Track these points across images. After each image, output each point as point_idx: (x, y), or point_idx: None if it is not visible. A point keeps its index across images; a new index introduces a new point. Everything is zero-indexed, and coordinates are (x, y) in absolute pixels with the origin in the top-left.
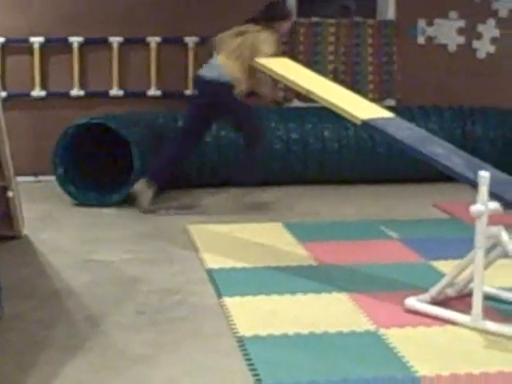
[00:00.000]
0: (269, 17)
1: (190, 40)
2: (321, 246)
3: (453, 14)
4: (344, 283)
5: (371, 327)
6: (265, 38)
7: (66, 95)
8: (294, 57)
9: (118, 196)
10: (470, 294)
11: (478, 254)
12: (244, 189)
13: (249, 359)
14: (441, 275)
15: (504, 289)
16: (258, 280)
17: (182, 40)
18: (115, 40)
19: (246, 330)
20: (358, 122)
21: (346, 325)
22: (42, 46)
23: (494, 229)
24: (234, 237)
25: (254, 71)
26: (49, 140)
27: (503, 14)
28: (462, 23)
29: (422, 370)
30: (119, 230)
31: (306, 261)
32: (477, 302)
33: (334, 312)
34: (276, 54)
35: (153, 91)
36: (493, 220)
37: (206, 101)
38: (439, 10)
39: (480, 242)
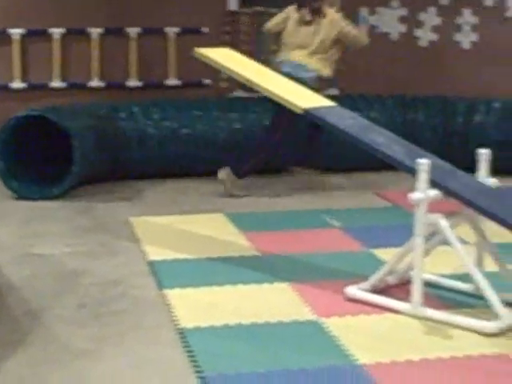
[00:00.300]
0: None
1: (132, 31)
2: (263, 236)
3: (394, 3)
4: (286, 273)
5: (312, 317)
6: (337, 17)
7: (7, 88)
8: (236, 47)
9: (57, 190)
10: (410, 282)
11: (417, 242)
12: (187, 180)
13: (190, 351)
14: (381, 263)
15: (444, 276)
16: (200, 271)
17: (123, 31)
18: (56, 31)
19: (187, 322)
20: (299, 111)
21: (287, 315)
22: None
23: (433, 216)
24: (177, 228)
25: (342, 46)
26: None
27: (444, 1)
28: (403, 11)
29: (363, 358)
30: (61, 223)
31: (249, 251)
32: (416, 290)
33: (275, 302)
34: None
35: (95, 82)
36: (435, 208)
37: None
38: None
39: (419, 229)
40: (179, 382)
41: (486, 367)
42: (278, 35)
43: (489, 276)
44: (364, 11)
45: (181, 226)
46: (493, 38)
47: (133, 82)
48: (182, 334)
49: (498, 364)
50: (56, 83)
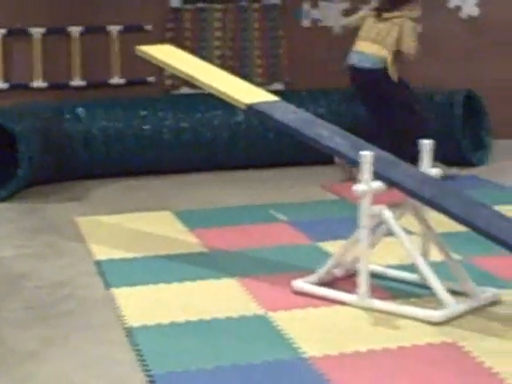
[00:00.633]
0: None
1: (74, 30)
2: (211, 233)
3: None
4: (233, 268)
5: (260, 311)
6: (409, 30)
7: None
8: (180, 44)
9: (4, 192)
10: (357, 274)
11: (363, 234)
12: (133, 179)
13: (138, 350)
14: (328, 256)
15: (390, 266)
16: (147, 270)
17: (66, 30)
18: None
19: (134, 321)
20: (243, 107)
21: (234, 310)
22: None
23: (377, 208)
24: (124, 227)
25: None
26: None
27: None
28: (346, 5)
29: (311, 350)
30: (5, 224)
31: (196, 248)
32: (363, 281)
33: (222, 298)
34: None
35: (39, 83)
36: (381, 199)
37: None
38: None
39: (364, 221)
40: (127, 381)
41: (433, 356)
42: None
43: (434, 265)
44: (307, 5)
45: (128, 224)
46: (434, 29)
47: (76, 82)
48: (130, 332)
49: (446, 352)
50: None
